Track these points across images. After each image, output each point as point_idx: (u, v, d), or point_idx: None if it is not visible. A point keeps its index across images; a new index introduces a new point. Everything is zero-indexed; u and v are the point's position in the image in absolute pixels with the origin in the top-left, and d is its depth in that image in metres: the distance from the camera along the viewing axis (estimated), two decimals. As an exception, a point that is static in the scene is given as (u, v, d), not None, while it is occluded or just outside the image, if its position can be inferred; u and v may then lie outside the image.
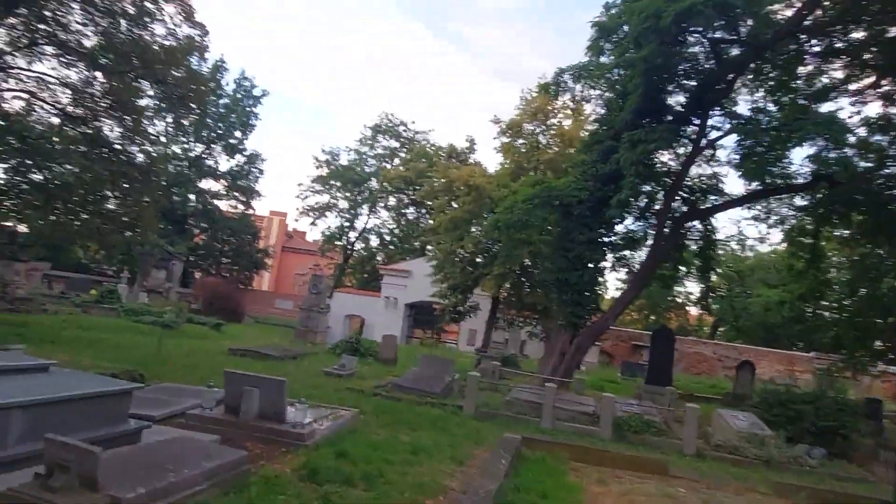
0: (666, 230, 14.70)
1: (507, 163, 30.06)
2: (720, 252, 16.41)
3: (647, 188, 15.07)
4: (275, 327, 32.90)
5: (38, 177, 15.17)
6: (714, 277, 16.11)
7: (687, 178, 14.75)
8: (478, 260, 28.76)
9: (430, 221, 35.29)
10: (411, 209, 45.30)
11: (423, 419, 10.01)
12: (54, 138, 15.41)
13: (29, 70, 15.96)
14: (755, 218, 17.29)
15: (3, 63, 15.63)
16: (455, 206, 29.85)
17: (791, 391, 12.38)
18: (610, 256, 15.58)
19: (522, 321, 29.64)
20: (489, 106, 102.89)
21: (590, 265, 14.93)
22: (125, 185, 15.49)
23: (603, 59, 15.20)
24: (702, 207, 15.21)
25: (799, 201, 16.88)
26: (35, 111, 16.05)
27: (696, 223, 15.41)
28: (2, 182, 16.75)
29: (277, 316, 41.75)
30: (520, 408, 11.53)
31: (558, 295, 15.23)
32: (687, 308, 41.80)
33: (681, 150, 15.32)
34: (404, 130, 46.81)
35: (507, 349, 23.21)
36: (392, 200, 45.31)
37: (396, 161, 46.53)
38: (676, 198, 14.83)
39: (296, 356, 16.28)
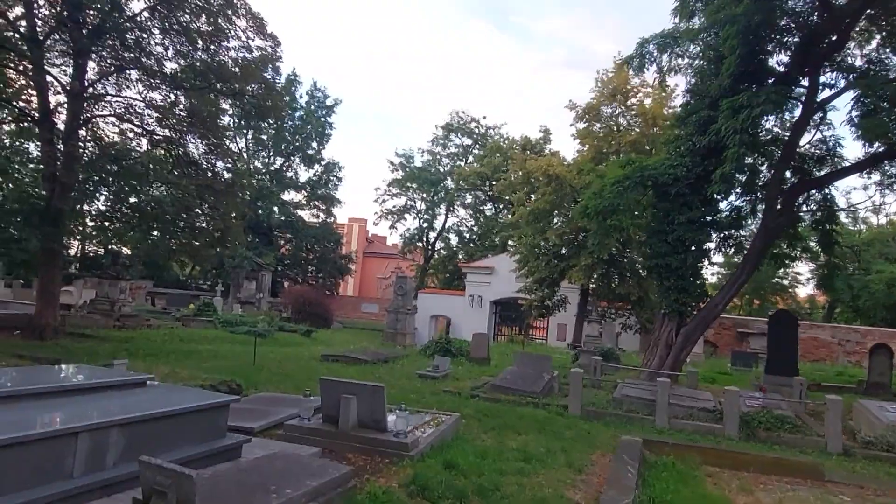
0: (777, 205, 13.24)
1: (586, 149, 28.83)
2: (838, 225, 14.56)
3: (753, 160, 13.66)
4: (363, 331, 33.19)
5: (133, 199, 15.71)
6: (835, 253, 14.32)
7: (798, 146, 13.21)
8: (563, 251, 27.72)
9: (510, 216, 34.50)
10: (489, 205, 44.67)
11: (527, 422, 9.36)
12: (148, 163, 15.91)
13: (118, 96, 16.61)
14: (879, 184, 15.44)
15: (94, 91, 16.33)
16: (535, 197, 28.94)
17: None
18: (714, 237, 14.22)
19: (615, 313, 28.29)
20: (561, 97, 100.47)
21: (692, 248, 13.72)
22: (212, 200, 15.77)
23: (693, 23, 13.94)
24: (817, 176, 13.61)
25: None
26: (126, 135, 16.71)
27: (813, 193, 13.79)
28: (104, 208, 17.63)
29: (364, 320, 42.32)
30: (630, 405, 10.63)
31: (659, 282, 14.11)
32: (793, 290, 38.88)
33: (788, 116, 13.81)
34: (476, 127, 46.25)
35: (602, 342, 22.07)
36: (469, 198, 44.86)
37: (470, 158, 46.06)
38: (787, 168, 13.32)
39: (387, 359, 16.04)
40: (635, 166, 14.11)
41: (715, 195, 13.24)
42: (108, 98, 16.63)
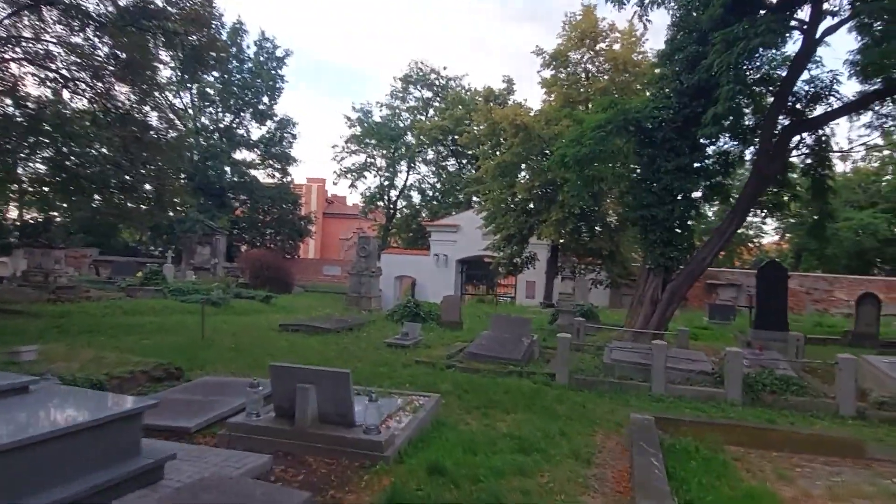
0: (770, 149, 12.25)
1: (553, 98, 27.48)
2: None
3: (746, 100, 12.56)
4: (325, 294, 31.79)
5: (49, 153, 13.75)
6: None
7: (795, 83, 12.13)
8: (532, 206, 26.66)
9: (475, 171, 33.14)
10: (452, 161, 43.11)
11: (513, 396, 8.29)
12: (64, 111, 13.89)
13: (34, 39, 14.40)
14: (868, 126, 14.61)
15: (8, 34, 14.10)
16: (501, 150, 27.60)
17: None
18: (702, 185, 13.21)
19: (584, 268, 27.53)
20: (520, 50, 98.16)
21: (679, 197, 12.71)
22: (144, 155, 13.92)
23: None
24: (811, 117, 12.65)
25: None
26: (46, 84, 14.57)
27: (805, 136, 12.85)
28: (33, 170, 15.59)
29: (326, 282, 40.83)
30: (622, 371, 9.68)
31: (644, 235, 13.12)
32: (759, 240, 38.96)
33: (786, 50, 12.68)
34: (436, 78, 44.23)
35: (575, 299, 21.24)
36: (430, 154, 43.19)
37: (431, 112, 44.17)
38: (783, 108, 12.27)
39: (352, 327, 14.79)
40: (617, 109, 12.90)
41: (703, 139, 12.16)
42: (23, 44, 14.44)
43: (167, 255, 33.26)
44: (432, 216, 40.26)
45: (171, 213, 21.21)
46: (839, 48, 36.62)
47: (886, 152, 35.72)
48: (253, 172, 41.81)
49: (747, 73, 11.65)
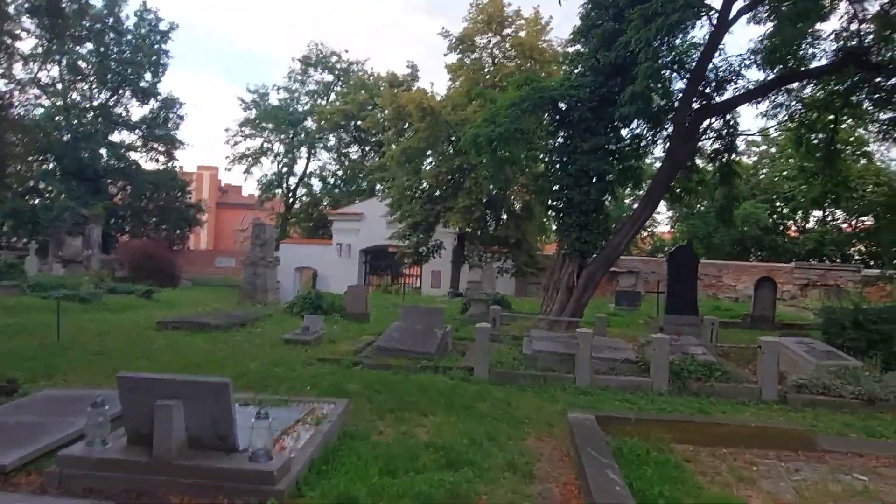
0: (683, 132, 12.08)
1: (459, 84, 26.77)
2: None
3: (658, 84, 12.29)
4: (218, 288, 29.38)
5: None
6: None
7: (708, 65, 11.99)
8: (438, 194, 25.89)
9: (378, 158, 31.89)
10: (355, 147, 41.47)
11: (430, 395, 7.34)
12: None
13: None
14: (763, 115, 14.96)
15: None
16: (406, 135, 26.56)
17: (865, 309, 10.30)
18: (617, 168, 12.85)
19: (491, 257, 27.16)
20: (423, 42, 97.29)
21: (595, 179, 12.28)
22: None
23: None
24: (720, 101, 12.64)
25: (810, 90, 14.69)
26: None
27: (714, 121, 12.84)
28: None
29: (220, 275, 38.03)
30: (545, 362, 9.00)
31: (560, 219, 12.63)
32: (652, 227, 40.49)
33: (698, 32, 12.58)
34: (338, 61, 42.33)
35: (483, 288, 20.71)
36: (332, 140, 41.28)
37: (332, 96, 42.28)
38: (696, 91, 12.12)
39: (244, 322, 13.25)
40: (533, 87, 12.26)
41: (620, 120, 11.78)
42: None
43: (30, 246, 29.41)
44: (334, 205, 38.54)
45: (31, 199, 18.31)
46: (742, 38, 38.60)
47: (763, 147, 38.27)
48: (134, 156, 38.11)
49: (661, 54, 11.34)
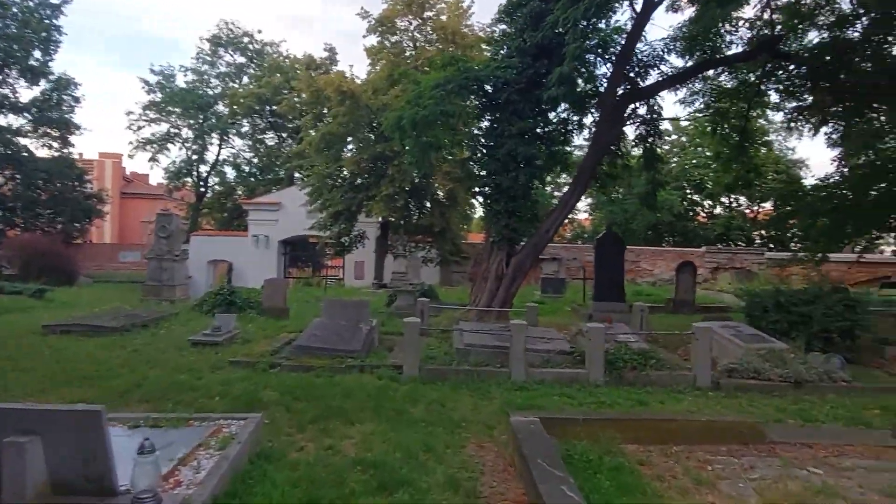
0: (609, 117, 11.90)
1: (379, 68, 25.85)
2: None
3: (583, 68, 12.04)
4: (122, 284, 27.19)
5: None
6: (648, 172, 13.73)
7: (635, 47, 11.86)
8: (360, 181, 24.96)
9: (296, 145, 30.44)
10: (270, 134, 39.58)
11: (357, 398, 6.69)
12: None
13: None
14: (682, 101, 15.16)
15: None
16: (326, 121, 25.40)
17: (785, 291, 10.49)
18: (545, 152, 12.52)
19: (415, 246, 26.58)
20: (340, 29, 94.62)
21: (523, 164, 11.91)
22: None
23: None
24: (644, 86, 12.58)
25: (724, 78, 15.04)
26: None
27: (638, 106, 12.77)
28: None
29: (124, 271, 35.35)
30: (478, 356, 8.52)
31: (488, 206, 12.19)
32: (574, 214, 41.22)
33: (622, 16, 12.44)
34: (250, 42, 40.16)
35: (409, 278, 20.12)
36: (246, 125, 39.19)
37: (245, 79, 40.11)
38: (623, 74, 11.96)
39: (147, 322, 11.99)
40: (458, 67, 11.71)
41: (548, 103, 11.42)
42: None
43: None
44: (250, 194, 36.65)
45: None
46: (668, 24, 39.58)
47: (675, 136, 39.70)
48: (23, 142, 34.56)
49: (588, 36, 11.06)
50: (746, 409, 7.00)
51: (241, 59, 40.51)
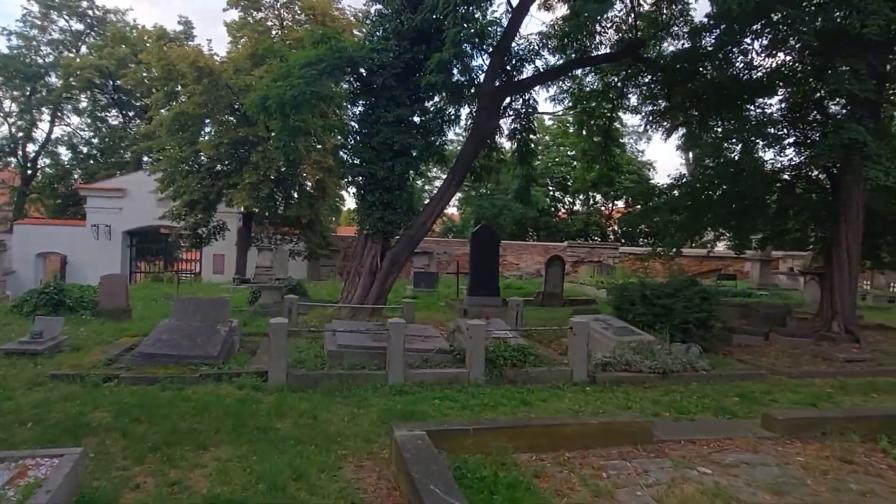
0: (488, 107, 11.69)
1: (242, 46, 23.99)
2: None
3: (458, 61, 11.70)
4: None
5: None
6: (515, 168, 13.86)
7: (516, 35, 11.69)
8: (219, 168, 23.04)
9: (144, 126, 27.43)
10: (114, 112, 35.51)
11: (213, 416, 5.77)
12: None
13: None
14: (552, 99, 15.47)
15: None
16: (180, 100, 23.07)
17: (649, 284, 10.86)
18: (421, 142, 12.02)
19: (281, 239, 25.09)
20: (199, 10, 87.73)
21: (400, 153, 11.34)
22: None
23: None
24: (520, 79, 12.55)
25: (591, 79, 15.58)
26: None
27: (514, 100, 12.71)
28: None
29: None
30: (352, 358, 7.85)
31: (362, 196, 11.49)
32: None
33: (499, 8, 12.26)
34: (90, 7, 35.66)
35: (275, 273, 18.80)
36: (84, 101, 34.81)
37: (84, 49, 35.59)
38: (501, 64, 11.77)
39: (-55, 329, 9.91)
40: (331, 45, 10.85)
41: (425, 90, 10.96)
42: None
43: None
44: (89, 178, 32.62)
45: None
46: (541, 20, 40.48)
47: (539, 136, 41.24)
48: None
49: (467, 25, 10.73)
50: (624, 402, 7.04)
51: (79, 27, 35.88)
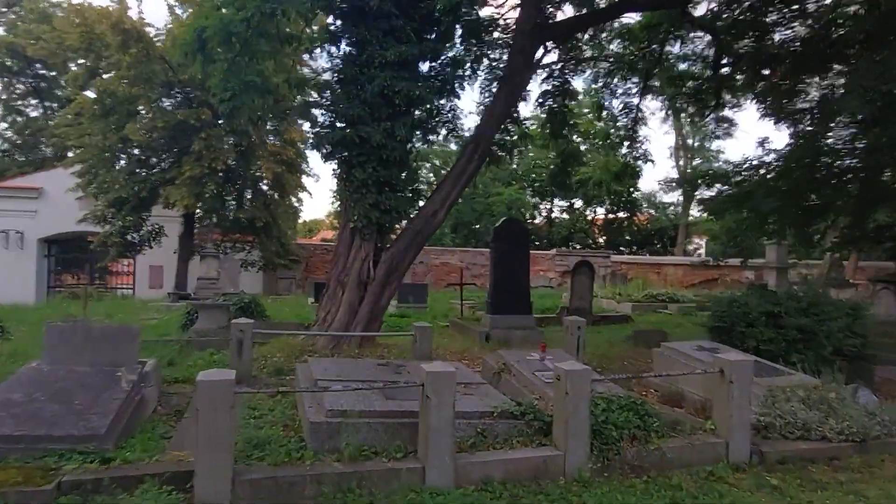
0: (521, 53, 8.37)
1: (187, 16, 20.03)
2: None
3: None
4: None
5: None
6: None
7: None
8: (154, 159, 19.05)
9: (65, 111, 23.05)
10: (33, 102, 30.69)
11: None
12: None
13: None
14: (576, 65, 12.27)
15: None
16: (105, 77, 18.96)
17: (776, 295, 7.68)
18: (433, 100, 8.53)
19: (232, 246, 21.10)
20: None
21: (404, 109, 7.89)
22: None
23: None
24: (559, 20, 9.27)
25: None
26: None
27: (550, 49, 9.40)
28: None
29: None
30: (355, 436, 4.30)
31: (348, 172, 7.94)
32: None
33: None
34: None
35: (222, 287, 14.97)
36: (-7, 85, 29.95)
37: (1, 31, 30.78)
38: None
39: None
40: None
41: (442, 16, 7.59)
42: None
43: None
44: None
45: None
46: None
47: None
48: None
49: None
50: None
51: (-7, 4, 31.04)
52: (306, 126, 20.43)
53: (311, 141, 8.50)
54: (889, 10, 8.83)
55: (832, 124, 8.55)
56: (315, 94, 8.55)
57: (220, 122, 18.09)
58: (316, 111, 8.51)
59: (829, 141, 9.78)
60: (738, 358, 5.02)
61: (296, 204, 25.30)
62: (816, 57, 9.84)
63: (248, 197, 21.14)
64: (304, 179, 24.08)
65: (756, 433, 5.10)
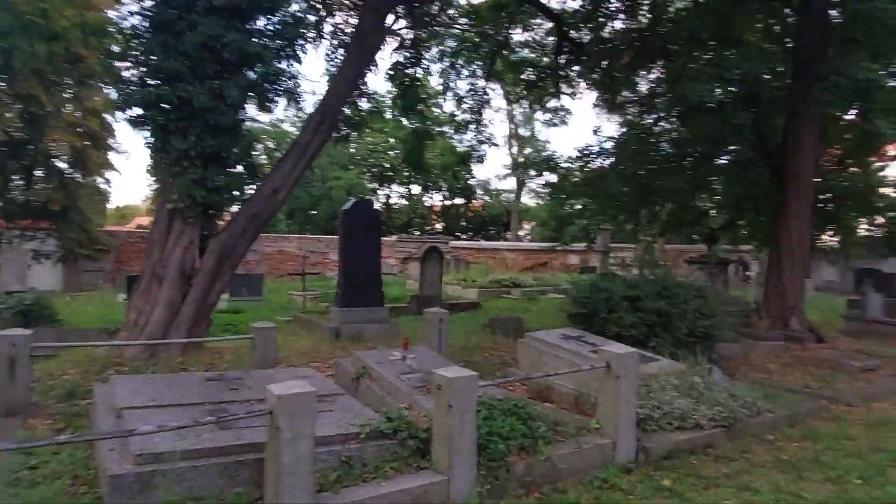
0: (377, 5, 7.41)
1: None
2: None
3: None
4: None
5: None
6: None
7: None
8: None
9: None
10: None
11: None
12: None
13: None
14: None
15: None
16: None
17: (631, 281, 7.57)
18: (270, 57, 7.26)
19: (20, 235, 17.55)
20: None
21: (233, 69, 6.60)
22: None
23: None
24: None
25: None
26: None
27: (401, 13, 8.52)
28: None
29: None
30: (175, 488, 3.18)
31: (162, 140, 6.45)
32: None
33: None
34: None
35: (6, 283, 12.17)
36: None
37: None
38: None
39: None
40: None
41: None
42: None
43: None
44: None
45: None
46: None
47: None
48: None
49: None
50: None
51: None
52: (113, 92, 17.60)
53: (118, 102, 6.81)
54: (708, 11, 9.37)
55: (654, 116, 8.84)
56: (120, 47, 6.80)
57: (-1, 82, 14.79)
58: (122, 65, 6.72)
59: (657, 130, 10.20)
60: (623, 351, 4.65)
61: (103, 185, 21.88)
62: (650, 50, 10.17)
63: (41, 176, 17.72)
64: (112, 157, 20.88)
65: (636, 427, 4.81)
